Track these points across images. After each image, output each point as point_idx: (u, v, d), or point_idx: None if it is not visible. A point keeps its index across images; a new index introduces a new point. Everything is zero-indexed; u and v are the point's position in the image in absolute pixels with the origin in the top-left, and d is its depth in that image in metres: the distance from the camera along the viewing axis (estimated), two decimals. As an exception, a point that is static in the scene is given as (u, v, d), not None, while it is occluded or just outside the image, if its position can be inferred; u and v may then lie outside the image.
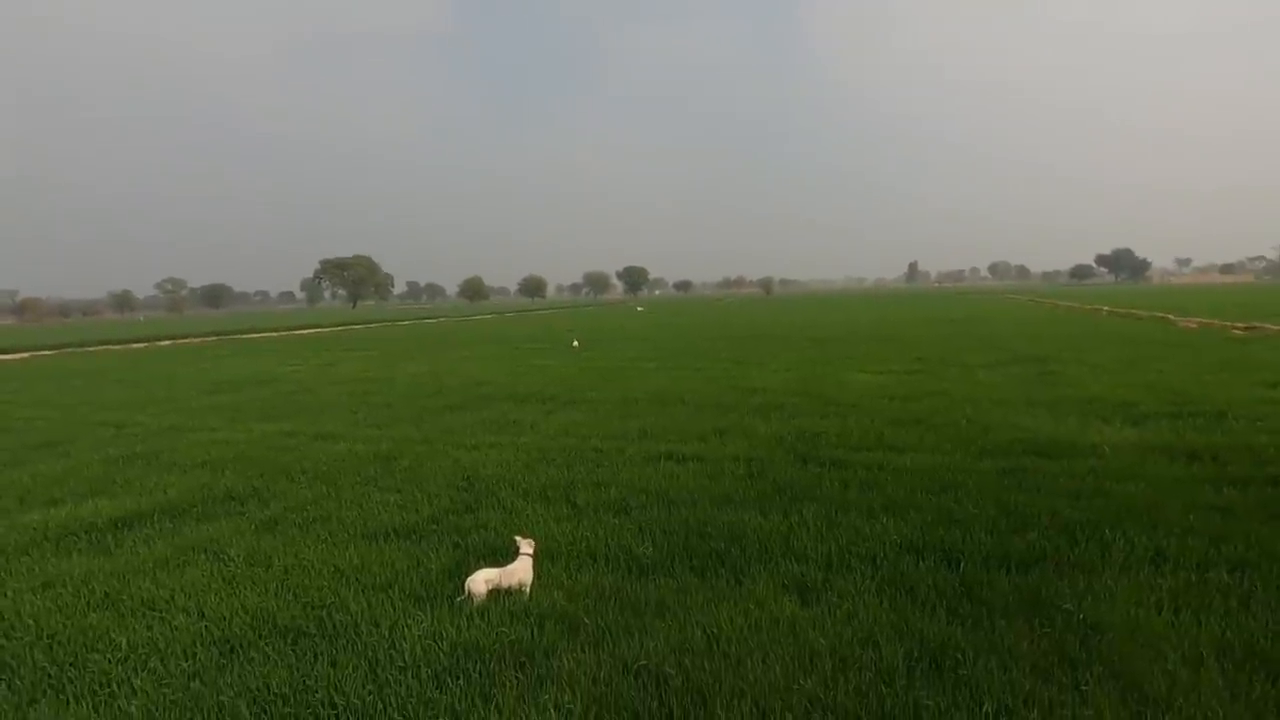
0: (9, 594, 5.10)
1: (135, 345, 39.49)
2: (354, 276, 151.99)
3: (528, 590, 4.72)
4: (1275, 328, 22.85)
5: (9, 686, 3.91)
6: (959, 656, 3.72)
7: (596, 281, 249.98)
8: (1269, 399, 10.52)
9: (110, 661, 4.08)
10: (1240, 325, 24.60)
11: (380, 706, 3.51)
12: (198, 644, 4.23)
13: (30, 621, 4.61)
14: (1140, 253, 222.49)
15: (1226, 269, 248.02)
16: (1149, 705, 3.30)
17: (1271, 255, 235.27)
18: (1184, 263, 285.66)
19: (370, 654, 4.01)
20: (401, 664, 3.89)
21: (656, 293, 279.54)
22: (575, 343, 22.03)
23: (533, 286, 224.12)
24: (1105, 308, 42.82)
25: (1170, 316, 31.40)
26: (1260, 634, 3.81)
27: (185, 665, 4.00)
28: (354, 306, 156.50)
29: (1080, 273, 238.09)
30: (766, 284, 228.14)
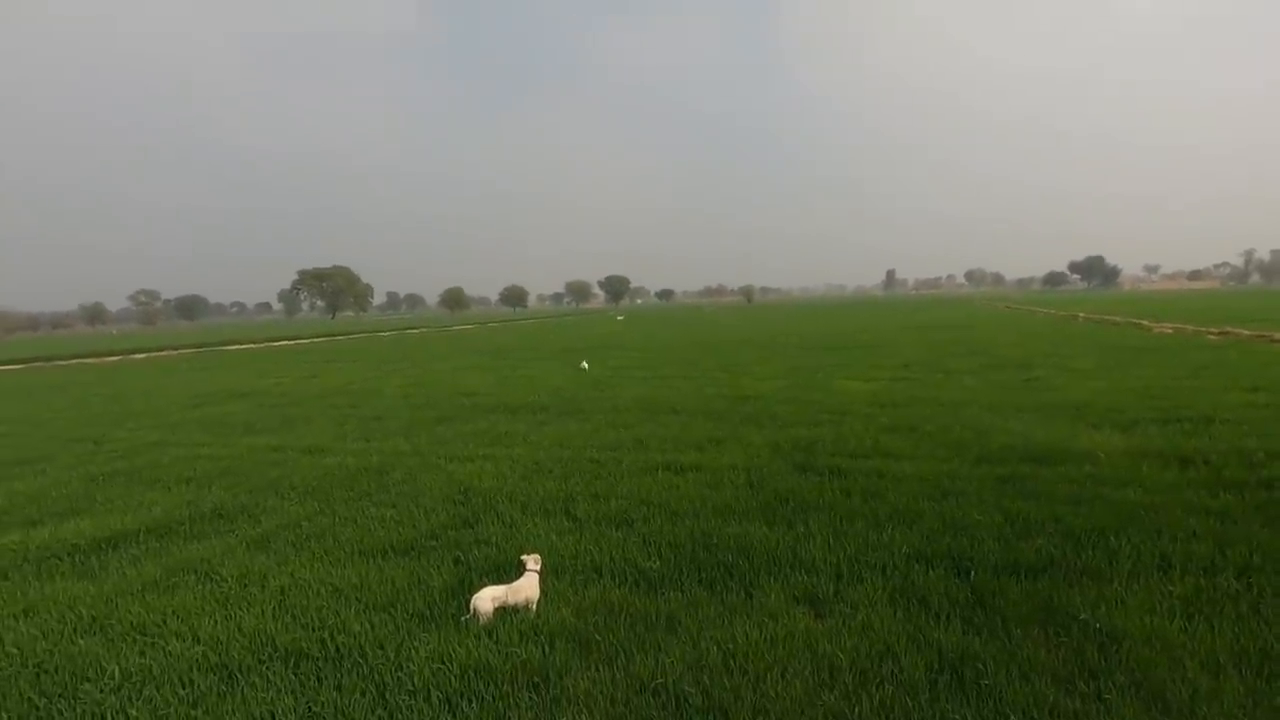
0: (-10, 621, 4.88)
1: (109, 358, 38.65)
2: (333, 287, 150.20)
3: (534, 608, 4.61)
4: (1247, 332, 23.39)
5: (-6, 720, 3.72)
6: (979, 667, 3.69)
7: (578, 291, 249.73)
8: (1252, 403, 10.72)
9: (103, 691, 3.91)
10: (1214, 330, 25.15)
11: (392, 733, 3.39)
12: (195, 670, 4.07)
13: (14, 649, 4.41)
14: (1111, 260, 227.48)
15: (1194, 275, 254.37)
16: (1172, 714, 3.29)
17: (1237, 262, 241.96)
18: (1153, 269, 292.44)
19: (377, 677, 3.89)
20: (411, 687, 3.77)
21: (638, 301, 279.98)
22: (585, 364, 20.63)
23: (514, 296, 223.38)
24: (1081, 314, 43.61)
25: (1144, 322, 32.06)
26: (1274, 640, 3.82)
27: (183, 693, 3.84)
28: (333, 317, 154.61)
29: (1054, 279, 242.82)
30: (748, 292, 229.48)
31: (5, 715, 3.74)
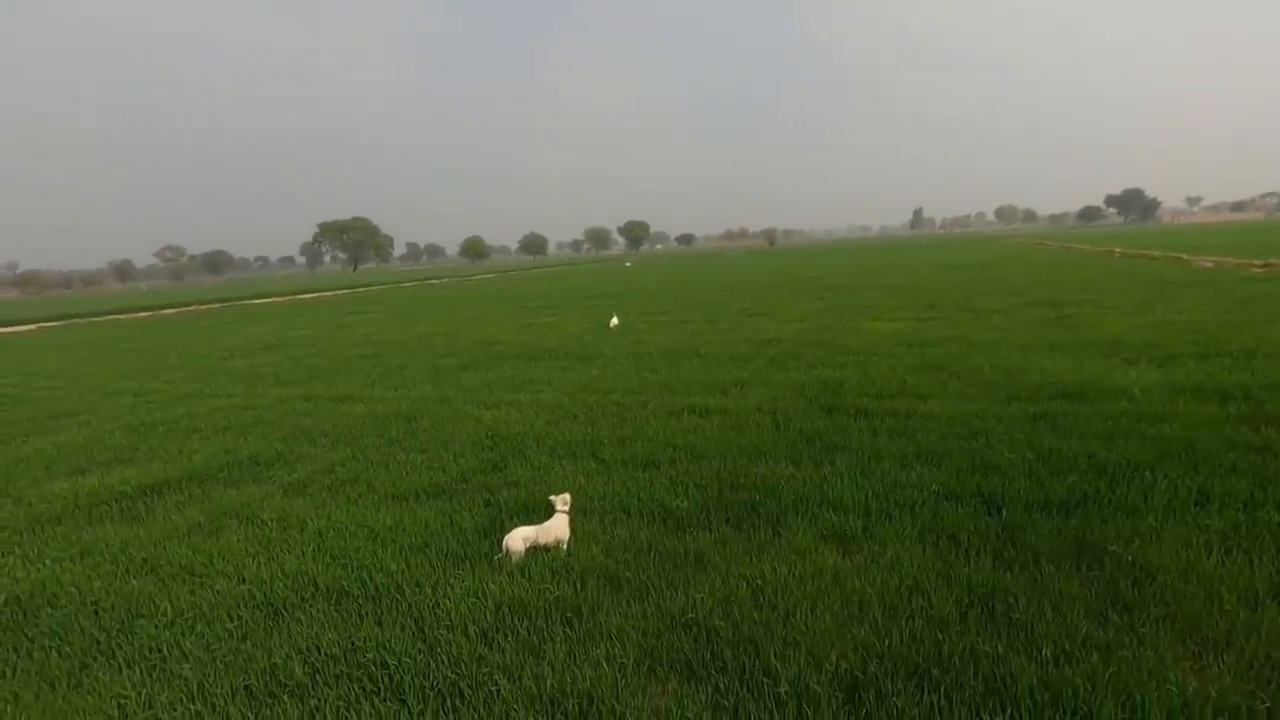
0: (48, 563, 5.12)
1: (141, 314, 39.50)
2: (353, 239, 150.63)
3: (565, 547, 4.70)
4: (1294, 264, 22.46)
5: (59, 654, 3.93)
6: (1010, 601, 3.69)
7: (597, 237, 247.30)
8: (1297, 336, 10.34)
9: (157, 626, 4.09)
10: (1259, 263, 24.19)
11: (432, 665, 3.51)
12: (242, 607, 4.24)
13: (73, 589, 4.62)
14: (1150, 192, 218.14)
15: (1238, 206, 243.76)
16: (1209, 647, 3.27)
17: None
18: (1194, 201, 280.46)
19: (415, 614, 4.01)
20: (448, 623, 3.88)
21: (658, 247, 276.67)
22: (614, 321, 17.70)
23: (533, 245, 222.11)
24: (1117, 249, 42.19)
25: (1185, 256, 30.93)
26: (1316, 573, 3.75)
27: (232, 628, 4.01)
28: (355, 269, 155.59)
29: (1088, 214, 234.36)
30: (770, 234, 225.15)
31: (69, 648, 3.95)
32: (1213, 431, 6.19)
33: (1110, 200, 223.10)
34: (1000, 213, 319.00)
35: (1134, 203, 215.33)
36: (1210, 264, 26.09)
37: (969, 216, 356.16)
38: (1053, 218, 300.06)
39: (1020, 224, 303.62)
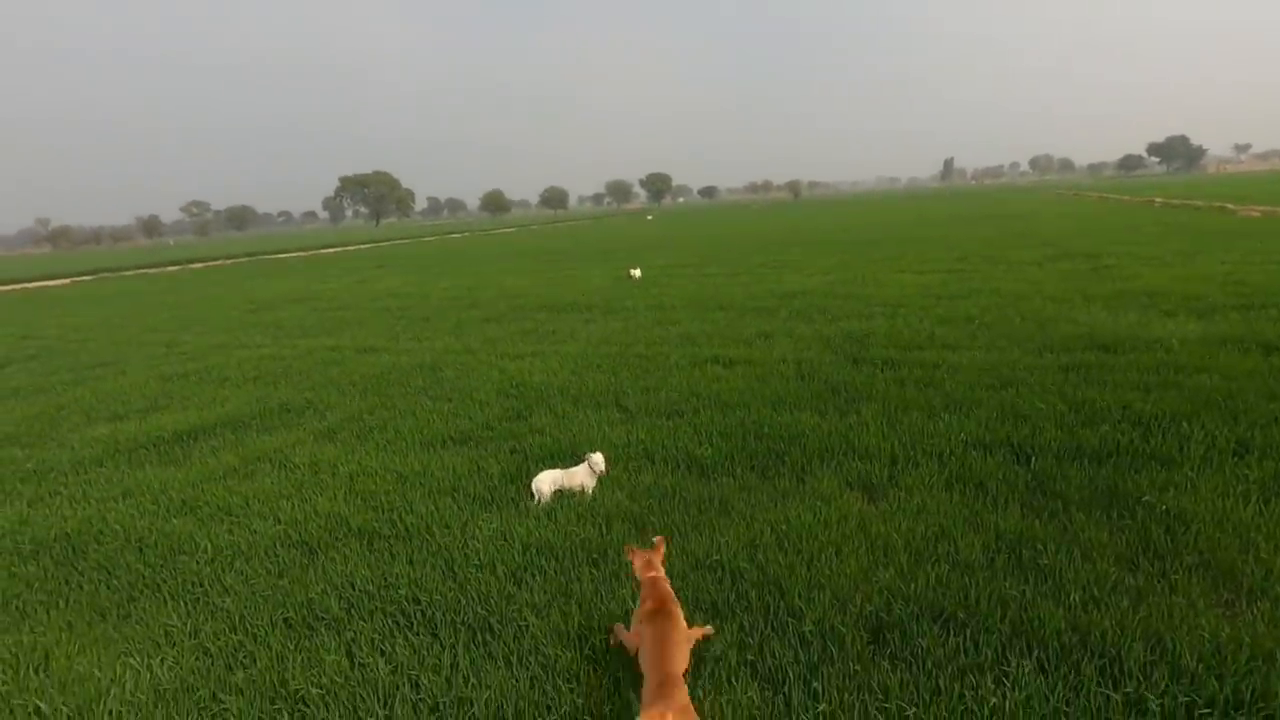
0: (94, 502, 5.32)
1: (170, 269, 40.13)
2: (375, 194, 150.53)
3: (590, 491, 4.74)
4: (1348, 214, 21.43)
5: (108, 586, 4.10)
6: (1038, 548, 3.66)
7: (619, 191, 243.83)
8: (1348, 287, 9.93)
9: (199, 563, 4.25)
10: (1309, 212, 23.13)
11: (463, 602, 3.60)
12: (278, 546, 4.37)
13: (118, 527, 4.80)
14: (1196, 140, 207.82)
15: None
16: (1243, 594, 3.22)
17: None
18: (1243, 149, 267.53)
19: (445, 554, 4.10)
20: (477, 562, 3.96)
21: (680, 200, 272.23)
22: (636, 272, 17.59)
23: (554, 199, 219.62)
24: (1158, 199, 40.61)
25: (1230, 206, 29.67)
26: (1359, 522, 3.66)
27: (270, 565, 4.15)
28: (377, 224, 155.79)
29: (1129, 164, 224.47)
30: (795, 187, 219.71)
31: (116, 582, 4.12)
32: (1254, 383, 6.01)
33: (1153, 149, 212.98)
34: (1035, 162, 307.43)
35: (1178, 150, 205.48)
36: (1257, 213, 25.02)
37: (1002, 167, 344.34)
38: (1091, 167, 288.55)
39: (1057, 174, 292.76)
